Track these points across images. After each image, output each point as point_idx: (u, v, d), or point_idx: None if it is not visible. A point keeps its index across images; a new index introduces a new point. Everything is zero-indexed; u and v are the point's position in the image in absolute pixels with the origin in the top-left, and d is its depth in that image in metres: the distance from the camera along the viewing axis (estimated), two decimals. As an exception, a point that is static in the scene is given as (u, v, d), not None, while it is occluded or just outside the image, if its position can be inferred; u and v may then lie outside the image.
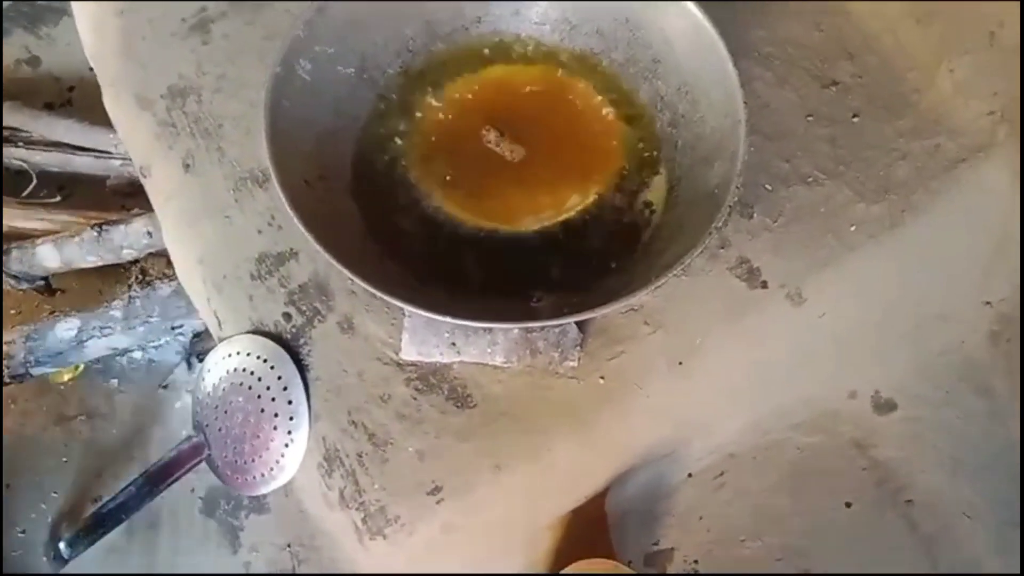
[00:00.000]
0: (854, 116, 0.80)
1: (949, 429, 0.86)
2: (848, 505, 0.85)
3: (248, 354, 0.68)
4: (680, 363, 0.70)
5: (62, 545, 0.83)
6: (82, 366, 0.99)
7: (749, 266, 0.73)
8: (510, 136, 0.72)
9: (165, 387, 0.98)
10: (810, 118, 0.80)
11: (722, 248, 0.73)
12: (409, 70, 0.76)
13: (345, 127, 0.71)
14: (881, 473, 0.86)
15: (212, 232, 0.73)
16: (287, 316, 0.70)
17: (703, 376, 0.72)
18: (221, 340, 0.71)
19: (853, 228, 0.75)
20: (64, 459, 0.94)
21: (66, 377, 0.99)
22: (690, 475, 0.86)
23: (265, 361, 0.67)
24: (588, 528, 0.79)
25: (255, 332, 0.69)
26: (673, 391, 0.71)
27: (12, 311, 1.02)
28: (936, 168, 0.78)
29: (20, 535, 0.90)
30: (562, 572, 0.73)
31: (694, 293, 0.71)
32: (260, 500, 0.92)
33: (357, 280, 0.58)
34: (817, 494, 0.85)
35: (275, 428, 0.66)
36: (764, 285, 0.73)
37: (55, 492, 0.92)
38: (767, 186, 0.76)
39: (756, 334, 0.73)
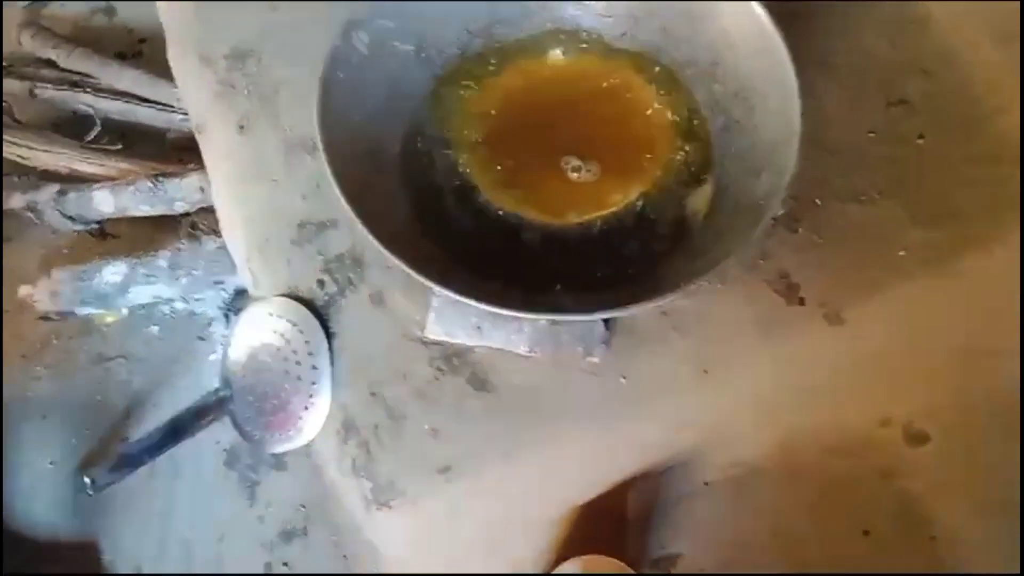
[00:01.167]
0: (919, 137, 0.78)
1: (982, 469, 0.83)
2: (866, 533, 0.83)
3: (280, 317, 0.69)
4: (706, 371, 0.69)
5: (87, 480, 0.86)
6: (126, 310, 1.02)
7: (788, 281, 0.71)
8: (595, 160, 0.71)
9: (202, 339, 1.01)
10: (872, 135, 0.78)
11: (762, 260, 0.71)
12: (467, 53, 0.76)
13: (398, 105, 0.71)
14: (905, 505, 0.83)
15: (258, 195, 0.74)
16: (321, 283, 0.71)
17: (729, 387, 0.71)
18: (256, 300, 0.72)
19: (903, 253, 0.73)
20: (98, 397, 0.98)
21: (109, 320, 1.02)
22: (707, 484, 0.85)
23: (295, 325, 0.69)
24: (603, 523, 0.79)
25: (289, 296, 0.70)
26: (696, 399, 0.70)
27: (64, 251, 1.05)
28: (1002, 199, 0.75)
29: (50, 466, 0.94)
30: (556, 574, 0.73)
31: (728, 303, 0.70)
32: (280, 458, 0.94)
33: (389, 255, 0.58)
34: (836, 519, 0.83)
35: (297, 391, 0.67)
36: (802, 302, 0.71)
37: (87, 429, 0.95)
38: (817, 201, 0.74)
39: (789, 352, 0.72)
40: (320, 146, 0.61)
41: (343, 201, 0.59)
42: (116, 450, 0.86)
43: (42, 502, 0.93)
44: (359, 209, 0.60)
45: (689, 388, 0.69)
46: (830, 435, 0.84)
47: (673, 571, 0.82)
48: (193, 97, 0.81)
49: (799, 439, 0.84)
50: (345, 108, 0.65)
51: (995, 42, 0.80)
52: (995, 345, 0.82)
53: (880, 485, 0.84)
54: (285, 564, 0.89)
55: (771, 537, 0.82)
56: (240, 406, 0.71)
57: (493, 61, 0.76)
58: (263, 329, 0.70)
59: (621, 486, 0.77)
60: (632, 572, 0.74)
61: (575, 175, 0.71)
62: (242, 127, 0.77)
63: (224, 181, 0.77)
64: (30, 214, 1.03)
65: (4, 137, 1.04)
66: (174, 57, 0.84)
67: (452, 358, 0.67)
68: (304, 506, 0.93)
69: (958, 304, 0.77)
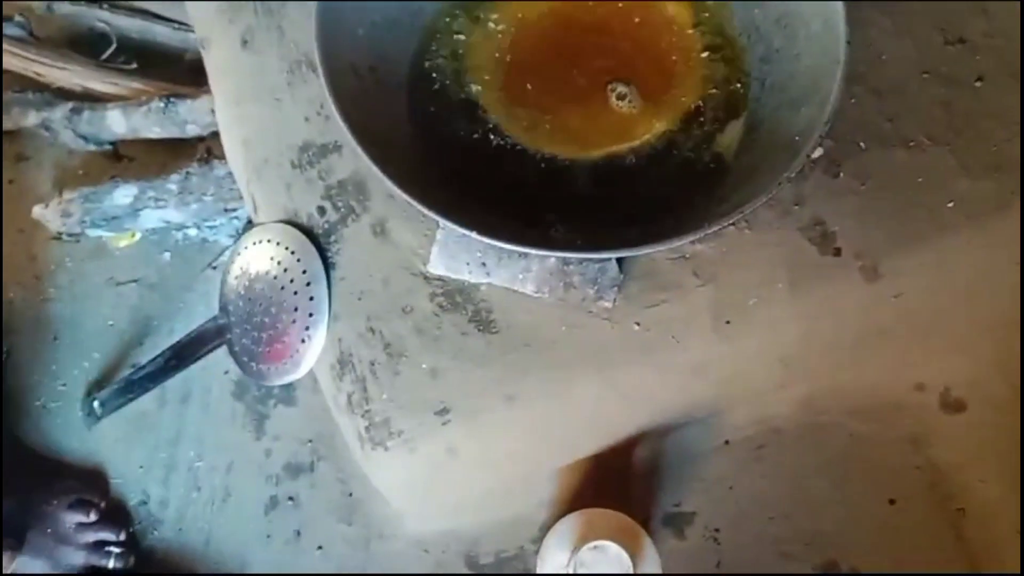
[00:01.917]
0: (977, 80, 0.71)
1: (1018, 442, 0.78)
2: (892, 502, 0.79)
3: (278, 243, 0.66)
4: (728, 322, 0.64)
5: (95, 404, 0.86)
6: (139, 234, 1.00)
7: (824, 229, 0.66)
8: (640, 90, 0.66)
9: (214, 267, 0.98)
10: (926, 75, 0.71)
11: (796, 205, 0.66)
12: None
13: (407, 19, 0.67)
14: (935, 475, 0.79)
15: (259, 114, 0.71)
16: (321, 210, 0.67)
17: (752, 340, 0.66)
18: (255, 225, 0.69)
19: (951, 204, 0.67)
20: (110, 322, 0.96)
21: (123, 243, 1.00)
22: (727, 442, 0.81)
23: (293, 253, 0.66)
24: (608, 479, 0.76)
25: (288, 222, 0.67)
26: (716, 351, 0.65)
27: (80, 171, 1.03)
28: (1062, 151, 0.68)
29: (61, 388, 0.93)
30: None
31: (756, 249, 0.65)
32: (289, 392, 0.92)
33: (387, 181, 0.55)
34: (861, 485, 0.79)
35: (294, 322, 0.64)
36: (837, 252, 0.66)
37: (97, 352, 0.94)
38: (862, 144, 0.68)
39: (819, 305, 0.67)
40: (316, 58, 0.57)
41: (338, 117, 0.55)
42: (122, 376, 0.85)
43: (53, 423, 0.92)
44: (358, 130, 0.56)
45: (707, 339, 0.64)
46: (858, 397, 0.80)
47: (687, 528, 0.80)
48: (198, 10, 0.77)
49: (825, 399, 0.80)
50: (347, 18, 0.61)
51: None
52: (1044, 310, 0.76)
53: (910, 452, 0.80)
54: (291, 499, 0.88)
55: (790, 499, 0.79)
56: (237, 335, 0.68)
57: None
58: (261, 256, 0.67)
59: (630, 440, 0.73)
60: (638, 525, 0.71)
61: (619, 103, 0.65)
62: (246, 42, 0.73)
63: (225, 100, 0.73)
64: (45, 132, 1.01)
65: (20, 53, 1.02)
66: (181, -33, 0.80)
67: (455, 294, 0.64)
68: (312, 441, 0.91)
69: (1005, 264, 0.71)
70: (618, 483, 0.77)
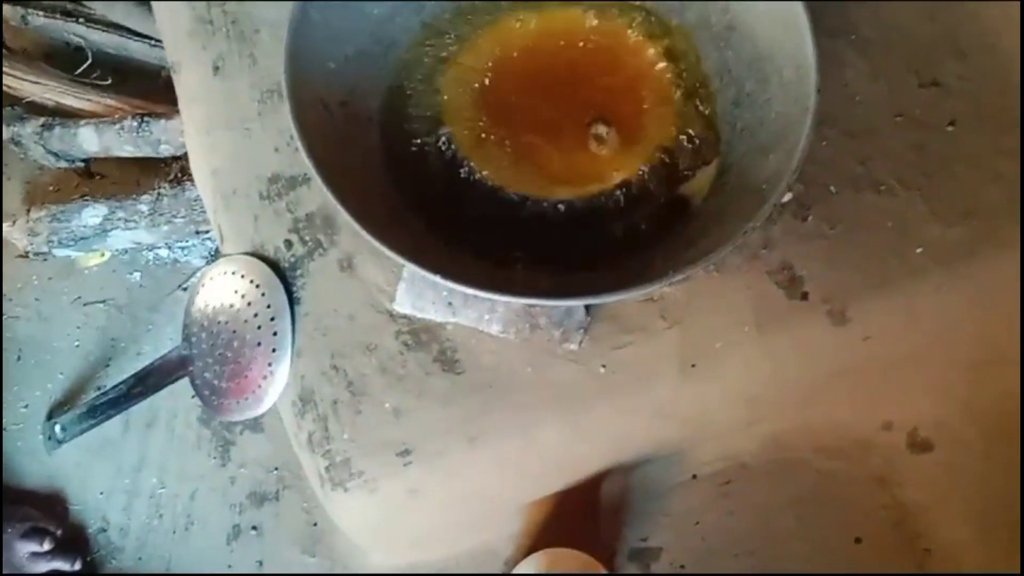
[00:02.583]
0: (950, 124, 0.71)
1: (985, 483, 0.78)
2: (858, 540, 0.79)
3: (243, 276, 0.65)
4: (693, 365, 0.64)
5: (57, 427, 0.84)
6: (108, 254, 0.99)
7: (792, 273, 0.66)
8: (619, 132, 0.65)
9: (185, 289, 0.97)
10: (899, 118, 0.71)
11: (765, 248, 0.66)
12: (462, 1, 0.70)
13: (380, 52, 0.66)
14: (902, 514, 0.79)
15: (229, 143, 0.70)
16: (288, 244, 0.66)
17: (718, 383, 0.66)
18: (222, 256, 0.68)
19: (920, 250, 0.67)
20: (76, 343, 0.95)
21: (92, 263, 0.99)
22: (694, 476, 0.81)
23: (258, 287, 0.65)
24: (575, 514, 0.76)
25: (254, 254, 0.66)
26: (682, 394, 0.65)
27: (51, 188, 1.01)
28: (1033, 198, 0.69)
29: (23, 410, 0.92)
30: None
31: (723, 293, 0.65)
32: (257, 419, 0.91)
33: (351, 220, 0.54)
34: (827, 522, 0.79)
35: (256, 358, 0.63)
36: (805, 297, 0.65)
37: (62, 373, 0.93)
38: (832, 187, 0.68)
39: (786, 348, 0.67)
40: (284, 89, 0.56)
41: (303, 151, 0.54)
42: (85, 400, 0.84)
43: (12, 446, 0.91)
44: (323, 165, 0.55)
45: (674, 382, 0.64)
46: (826, 435, 0.80)
47: (654, 563, 0.79)
48: (170, 33, 0.76)
49: (792, 437, 0.80)
50: (318, 51, 0.60)
51: (1044, 22, 0.73)
52: (1012, 355, 0.76)
53: (877, 491, 0.80)
54: (254, 528, 0.87)
55: (756, 535, 0.79)
56: (199, 367, 0.67)
57: (489, 11, 0.70)
58: (225, 288, 0.66)
59: (595, 477, 0.73)
60: (599, 565, 0.71)
61: (596, 144, 0.65)
62: (217, 68, 0.72)
63: (195, 127, 0.72)
64: (14, 147, 0.99)
65: (-9, 65, 1.00)
66: (154, -12, 0.79)
67: (420, 333, 0.63)
68: (278, 469, 0.90)
69: (975, 309, 0.71)
70: (584, 518, 0.77)
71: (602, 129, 0.65)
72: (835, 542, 0.78)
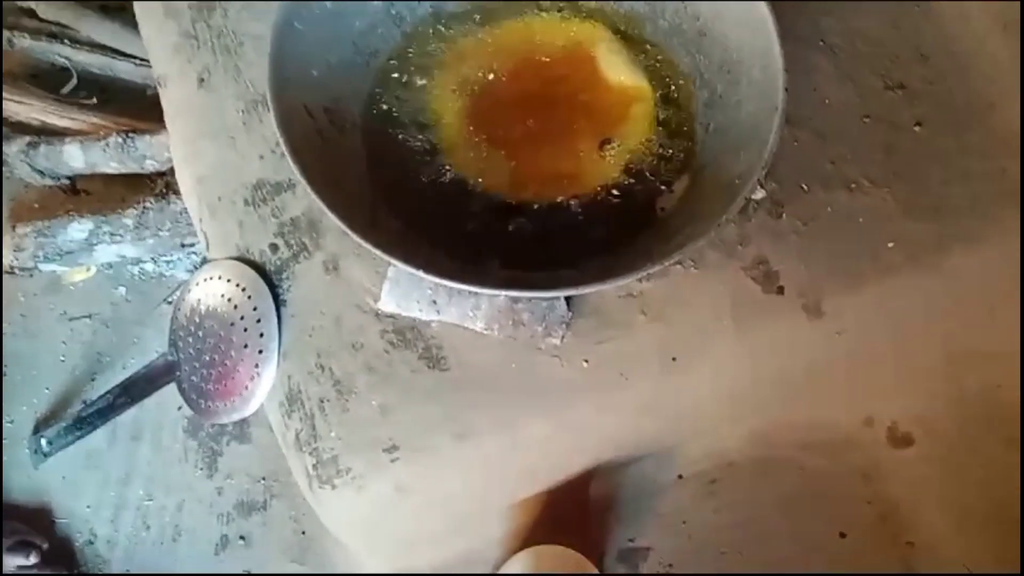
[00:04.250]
0: (916, 124, 0.73)
1: (965, 475, 0.79)
2: (843, 535, 0.80)
3: (228, 280, 0.66)
4: (674, 359, 0.65)
5: (43, 441, 0.84)
6: (94, 269, 0.99)
7: (767, 268, 0.67)
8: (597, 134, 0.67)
9: (170, 302, 0.98)
10: (867, 120, 0.74)
11: (740, 245, 0.68)
12: (441, 12, 0.72)
13: (363, 62, 0.68)
14: (885, 509, 0.80)
15: (214, 152, 0.71)
16: (274, 247, 0.67)
17: (699, 377, 0.67)
18: (207, 262, 0.69)
19: (891, 245, 0.69)
20: (62, 358, 0.95)
21: (77, 278, 1.00)
22: (681, 476, 0.82)
23: (244, 290, 0.65)
24: (566, 512, 0.76)
25: (239, 259, 0.67)
26: (664, 387, 0.66)
27: (35, 205, 1.02)
28: (996, 193, 0.71)
29: (9, 424, 0.92)
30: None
31: (702, 288, 0.66)
32: (243, 428, 0.91)
33: (335, 219, 0.55)
34: (812, 519, 0.80)
35: (243, 360, 0.64)
36: (780, 291, 0.67)
37: (47, 388, 0.93)
38: (804, 186, 0.70)
39: (764, 343, 0.68)
40: (268, 96, 0.58)
41: (287, 154, 0.55)
42: (71, 413, 0.84)
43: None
44: (308, 169, 0.56)
45: (655, 376, 0.65)
46: (809, 431, 0.81)
47: (642, 563, 0.80)
48: (156, 48, 0.78)
49: (776, 433, 0.81)
50: (302, 60, 0.62)
51: (1000, 31, 0.76)
52: (985, 347, 0.78)
53: (860, 486, 0.81)
54: (242, 538, 0.87)
55: (743, 533, 0.80)
56: (186, 372, 0.68)
57: (468, 21, 0.72)
58: (211, 293, 0.67)
59: (584, 475, 0.74)
60: (588, 562, 0.71)
61: (574, 147, 0.67)
62: (202, 80, 0.73)
63: (180, 136, 0.73)
64: (0, 166, 1.00)
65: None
66: (138, 5, 0.80)
67: (406, 331, 0.64)
68: (265, 478, 0.90)
69: (946, 302, 0.73)
70: (573, 518, 0.77)
71: (581, 132, 0.67)
72: (820, 538, 0.80)
